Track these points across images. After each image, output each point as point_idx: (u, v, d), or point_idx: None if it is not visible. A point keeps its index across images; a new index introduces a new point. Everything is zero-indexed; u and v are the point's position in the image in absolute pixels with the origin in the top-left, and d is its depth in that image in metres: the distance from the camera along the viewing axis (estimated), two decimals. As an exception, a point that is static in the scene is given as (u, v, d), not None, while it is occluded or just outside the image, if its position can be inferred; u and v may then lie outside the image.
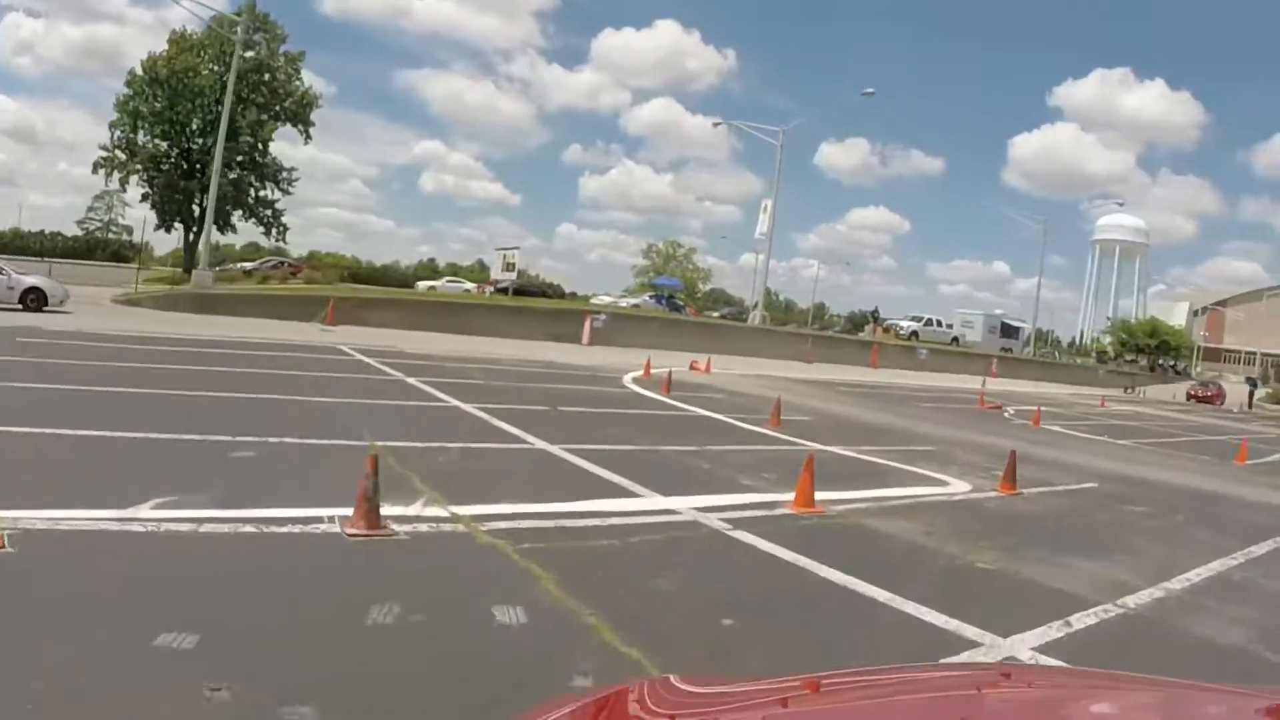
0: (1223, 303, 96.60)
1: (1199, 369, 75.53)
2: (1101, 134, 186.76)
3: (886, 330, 48.34)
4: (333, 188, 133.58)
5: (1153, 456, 15.72)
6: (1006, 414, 21.17)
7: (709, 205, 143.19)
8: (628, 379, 18.23)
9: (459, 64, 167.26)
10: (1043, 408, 21.95)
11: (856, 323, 57.87)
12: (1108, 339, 79.40)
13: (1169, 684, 1.67)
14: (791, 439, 11.57)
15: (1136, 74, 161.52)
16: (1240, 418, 34.72)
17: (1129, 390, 49.03)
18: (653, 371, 19.19)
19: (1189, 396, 46.94)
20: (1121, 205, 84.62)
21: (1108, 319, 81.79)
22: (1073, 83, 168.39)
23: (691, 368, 22.74)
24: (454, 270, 70.79)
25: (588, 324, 30.57)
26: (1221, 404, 46.72)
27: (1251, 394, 47.68)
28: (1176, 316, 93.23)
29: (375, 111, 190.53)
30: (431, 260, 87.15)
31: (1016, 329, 58.36)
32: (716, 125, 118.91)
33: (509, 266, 36.13)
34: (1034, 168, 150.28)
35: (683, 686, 1.47)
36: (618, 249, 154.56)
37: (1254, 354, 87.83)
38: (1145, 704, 1.46)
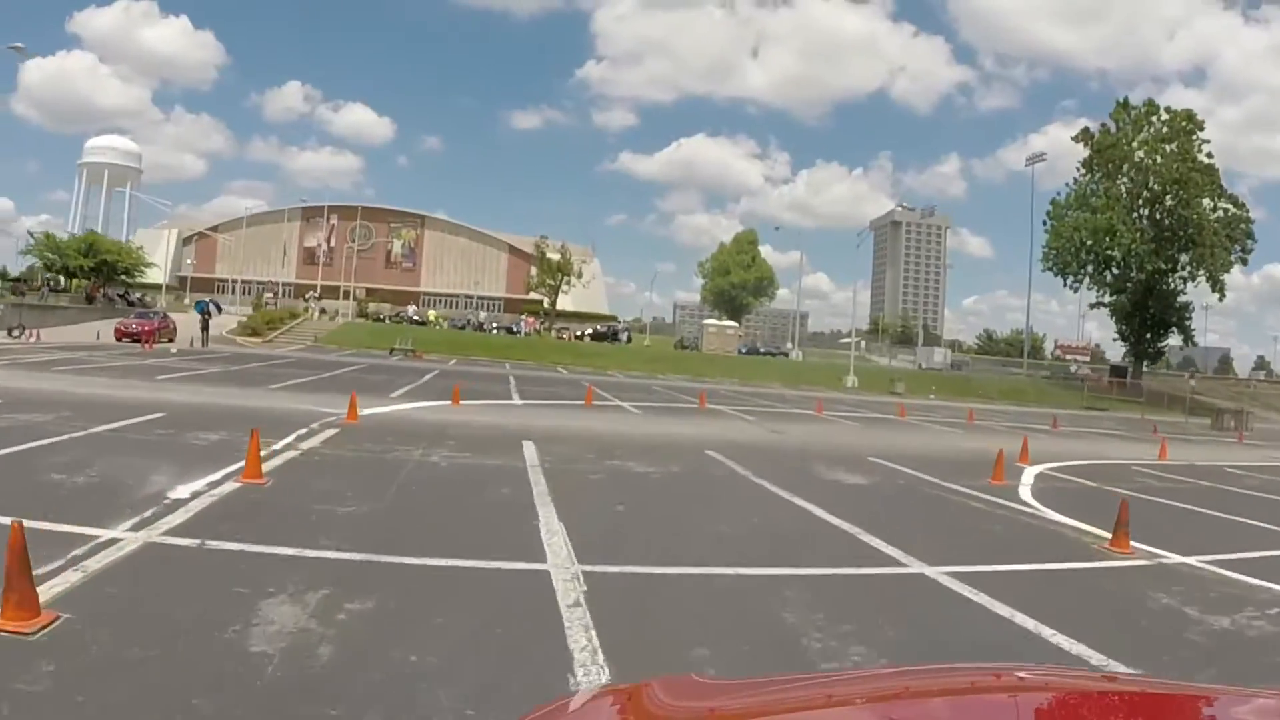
0: (214, 229, 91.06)
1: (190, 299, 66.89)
2: (118, 66, 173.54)
3: None
4: None
5: None
6: None
7: None
8: None
9: None
10: None
11: None
12: (31, 259, 63.14)
13: (1173, 685, 1.80)
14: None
15: (161, 8, 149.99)
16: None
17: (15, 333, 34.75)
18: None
19: (118, 335, 35.63)
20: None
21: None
22: (95, 10, 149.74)
23: None
24: None
25: None
26: (172, 340, 37.01)
27: (205, 323, 38.90)
28: (165, 246, 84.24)
29: None
30: None
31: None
32: None
33: None
34: (44, 96, 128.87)
35: (680, 687, 1.49)
36: None
37: (249, 282, 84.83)
38: (1146, 704, 1.46)
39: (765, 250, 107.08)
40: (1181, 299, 61.59)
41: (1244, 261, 59.64)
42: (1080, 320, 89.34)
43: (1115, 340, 64.70)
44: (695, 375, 46.96)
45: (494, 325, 74.85)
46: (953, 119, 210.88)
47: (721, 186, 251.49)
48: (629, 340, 73.33)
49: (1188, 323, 62.00)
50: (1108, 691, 1.59)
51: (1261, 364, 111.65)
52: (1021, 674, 1.73)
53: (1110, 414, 43.93)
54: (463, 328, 70.38)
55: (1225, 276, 58.59)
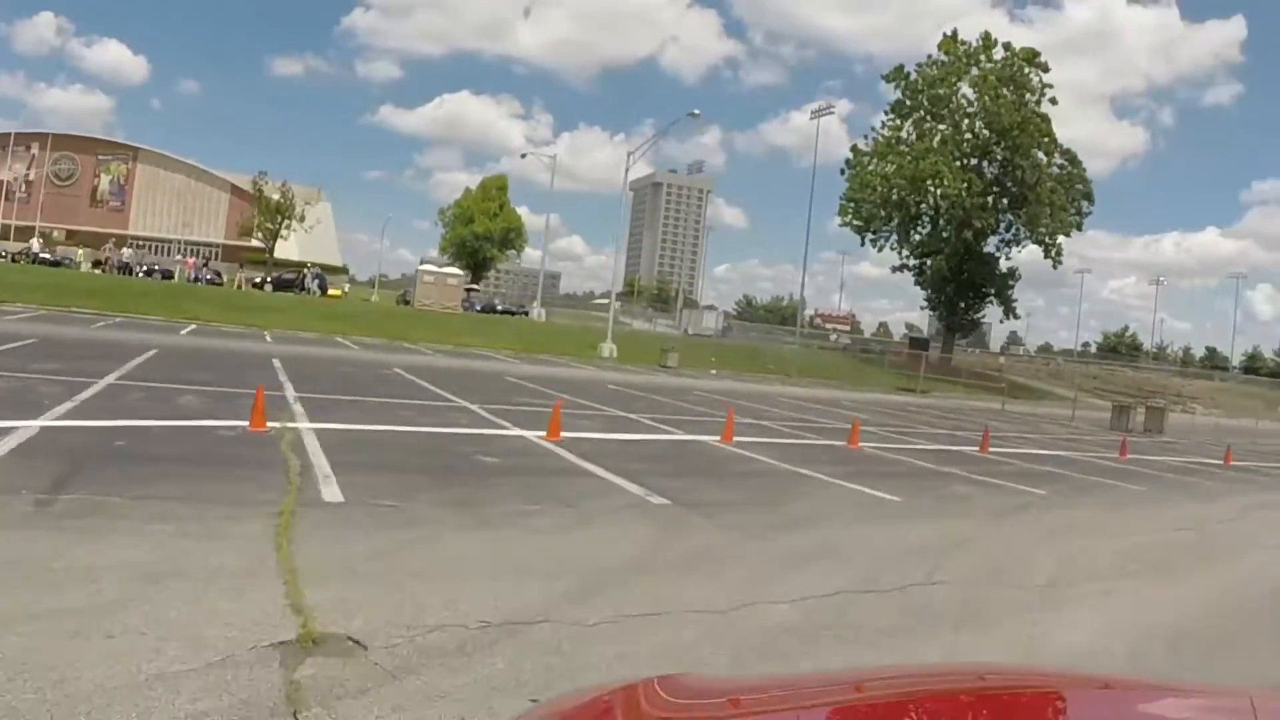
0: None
1: None
2: None
3: None
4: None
5: None
6: None
7: None
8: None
9: None
10: None
11: None
12: None
13: (1170, 686, 1.82)
14: None
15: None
16: None
17: None
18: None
19: None
20: None
21: None
22: None
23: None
24: None
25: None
26: None
27: None
28: None
29: None
30: None
31: None
32: None
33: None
34: None
35: (680, 686, 1.47)
36: None
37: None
38: (1146, 705, 1.48)
39: (524, 213, 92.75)
40: (1005, 264, 54.05)
41: (1078, 226, 52.32)
42: (840, 290, 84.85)
43: (924, 309, 56.44)
44: (394, 337, 32.17)
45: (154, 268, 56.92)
46: (719, 91, 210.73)
47: (483, 145, 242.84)
48: (323, 291, 56.41)
49: (1009, 292, 54.00)
50: (1106, 691, 1.61)
51: (1015, 339, 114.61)
52: (1022, 674, 1.94)
53: (943, 401, 34.04)
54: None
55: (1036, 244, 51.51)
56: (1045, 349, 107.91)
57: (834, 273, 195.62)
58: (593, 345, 39.42)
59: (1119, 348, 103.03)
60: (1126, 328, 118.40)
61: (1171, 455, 19.90)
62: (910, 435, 17.32)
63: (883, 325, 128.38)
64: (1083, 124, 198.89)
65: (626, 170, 44.71)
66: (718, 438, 12.49)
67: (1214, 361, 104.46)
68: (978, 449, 15.29)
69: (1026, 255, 53.35)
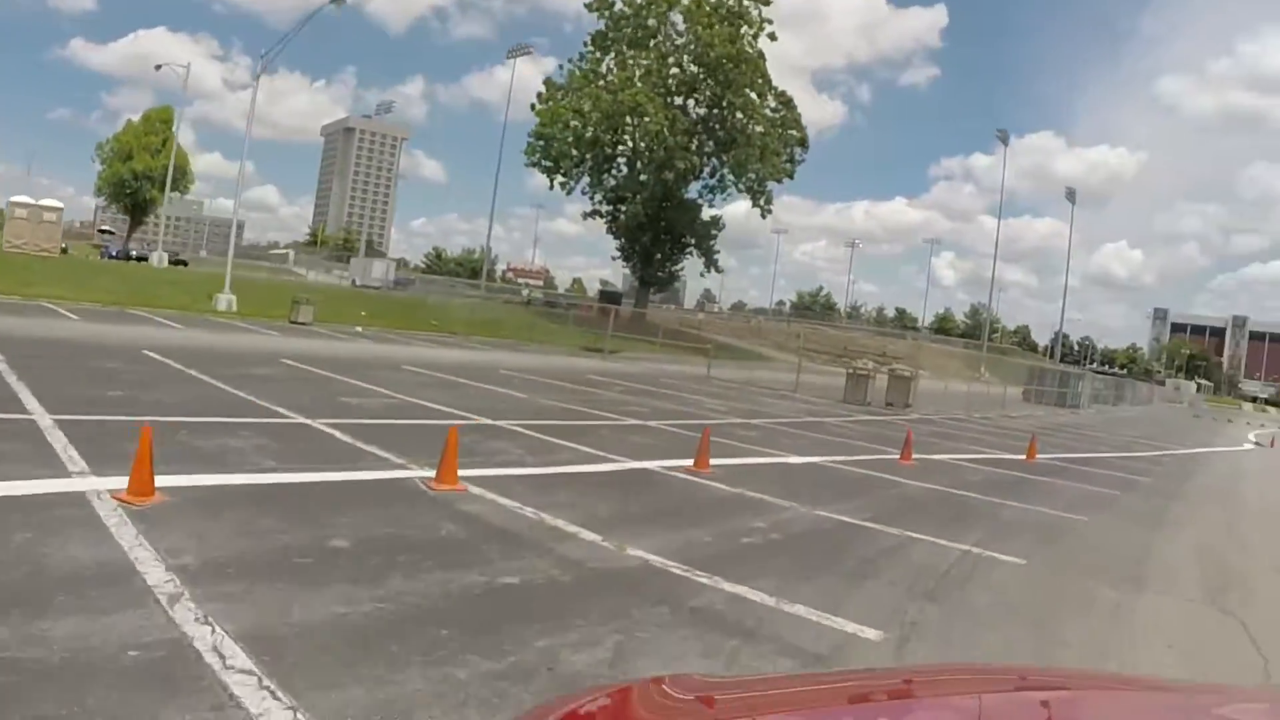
0: None
1: None
2: None
3: None
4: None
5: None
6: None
7: None
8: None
9: None
10: None
11: None
12: None
13: (1172, 685, 1.81)
14: None
15: None
16: None
17: None
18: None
19: None
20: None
21: None
22: None
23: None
24: None
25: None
26: None
27: None
28: None
29: None
30: None
31: None
32: None
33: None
34: None
35: (680, 686, 1.44)
36: None
37: None
38: (1147, 704, 1.46)
39: (215, 159, 76.93)
40: (709, 214, 49.32)
41: (790, 174, 47.65)
42: (534, 245, 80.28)
43: (616, 259, 50.26)
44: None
45: None
46: (426, 43, 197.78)
47: (177, 86, 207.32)
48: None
49: (712, 243, 49.34)
50: (1108, 691, 1.59)
51: (709, 297, 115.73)
52: (1021, 674, 1.82)
53: (632, 366, 28.02)
54: None
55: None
56: (739, 308, 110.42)
57: (534, 229, 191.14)
58: (210, 294, 29.93)
59: (813, 307, 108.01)
60: (821, 288, 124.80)
61: (979, 450, 15.41)
62: (573, 436, 10.76)
63: (577, 281, 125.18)
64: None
65: (255, 90, 34.46)
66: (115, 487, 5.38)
67: (904, 322, 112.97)
68: (691, 465, 8.82)
69: (723, 214, 50.27)
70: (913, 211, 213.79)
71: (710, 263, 49.50)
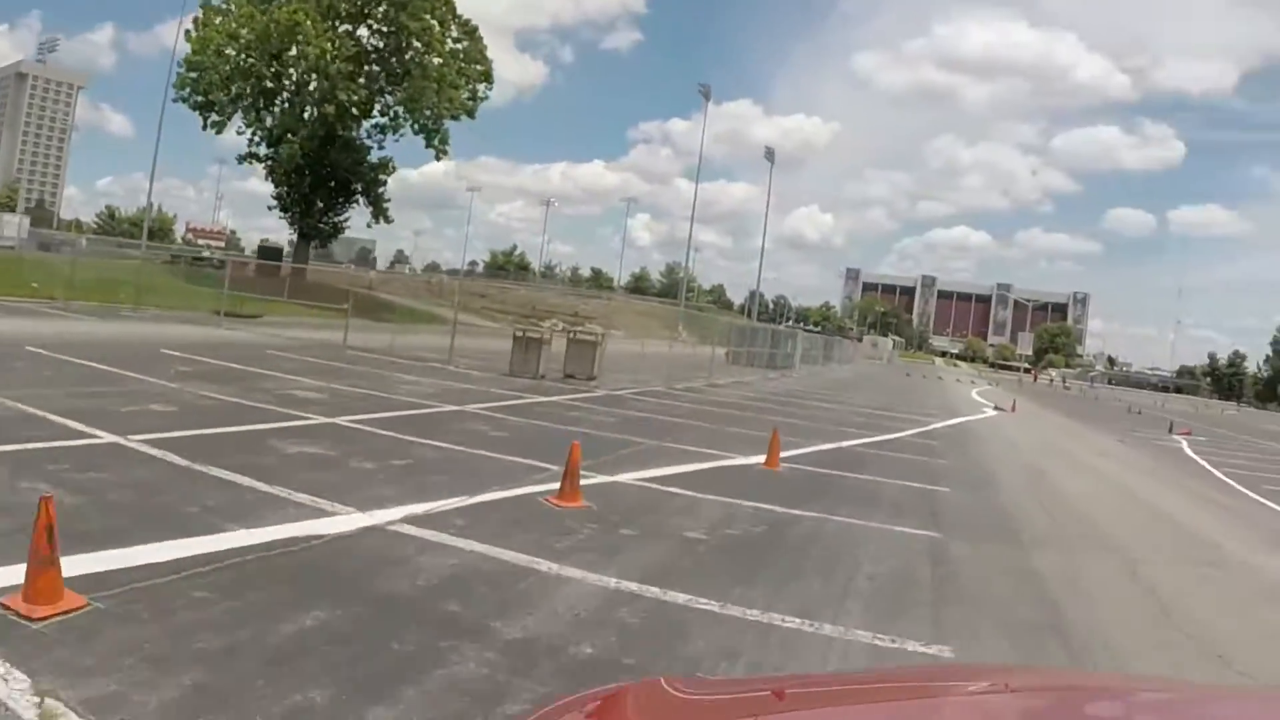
0: None
1: None
2: None
3: None
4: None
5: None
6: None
7: None
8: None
9: None
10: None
11: None
12: None
13: (1170, 684, 1.81)
14: None
15: None
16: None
17: None
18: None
19: None
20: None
21: None
22: None
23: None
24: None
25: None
26: None
27: None
28: None
29: None
30: None
31: None
32: None
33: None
34: None
35: (677, 687, 1.41)
36: None
37: None
38: (1146, 704, 1.44)
39: None
40: (379, 156, 43.63)
41: (471, 112, 42.30)
42: (217, 202, 72.86)
43: (276, 212, 43.49)
44: None
45: None
46: None
47: None
48: None
49: (381, 190, 43.70)
50: (1109, 691, 1.57)
51: (401, 258, 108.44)
52: (1021, 675, 1.80)
53: (269, 334, 22.83)
54: None
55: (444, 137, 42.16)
56: (433, 268, 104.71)
57: (218, 187, 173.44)
58: None
59: (507, 266, 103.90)
60: (515, 247, 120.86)
61: (691, 456, 11.14)
62: None
63: (266, 242, 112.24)
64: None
65: None
66: None
67: (600, 282, 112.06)
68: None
69: (419, 178, 45.21)
70: (611, 174, 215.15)
71: (379, 212, 43.74)
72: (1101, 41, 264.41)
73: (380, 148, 43.96)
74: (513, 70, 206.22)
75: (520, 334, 19.00)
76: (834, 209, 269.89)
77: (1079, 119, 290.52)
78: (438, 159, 42.84)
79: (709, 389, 22.21)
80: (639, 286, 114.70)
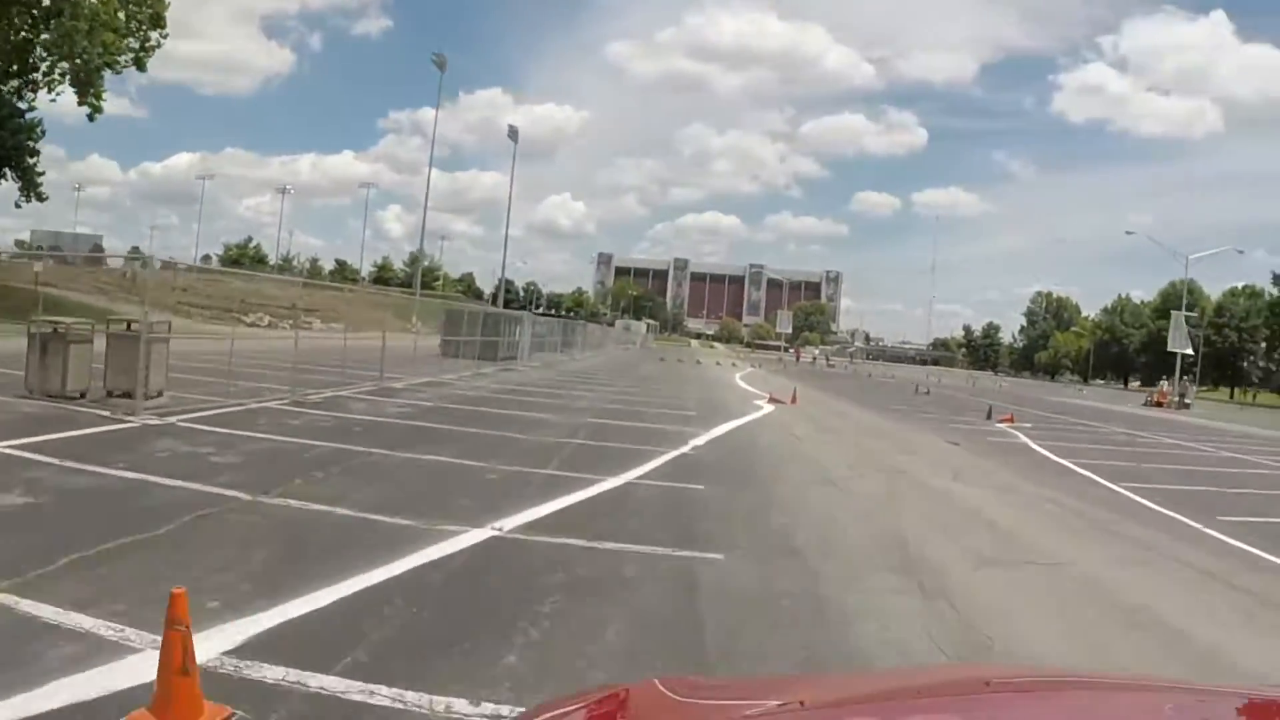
0: None
1: None
2: None
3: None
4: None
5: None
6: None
7: None
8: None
9: None
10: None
11: None
12: None
13: (1172, 685, 1.76)
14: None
15: None
16: None
17: None
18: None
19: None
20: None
21: None
22: None
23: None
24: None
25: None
26: None
27: None
28: None
29: None
30: None
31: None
32: None
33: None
34: None
35: (679, 687, 1.42)
36: None
37: None
38: (1147, 704, 1.42)
39: None
40: (31, 117, 35.27)
41: (141, 64, 34.09)
42: None
43: None
44: None
45: None
46: None
47: None
48: None
49: (32, 159, 35.13)
50: (1108, 692, 1.54)
51: (136, 253, 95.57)
52: (1022, 674, 1.77)
53: None
54: None
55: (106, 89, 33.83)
56: (169, 266, 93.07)
57: None
58: None
59: (242, 260, 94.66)
60: (250, 239, 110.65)
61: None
62: None
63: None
64: (231, 39, 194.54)
65: None
66: None
67: (345, 274, 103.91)
68: None
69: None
70: (361, 165, 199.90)
71: (30, 187, 35.00)
72: (848, 34, 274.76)
73: (32, 108, 35.12)
74: (259, 58, 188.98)
75: (36, 331, 11.47)
76: (586, 197, 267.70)
77: (827, 107, 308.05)
78: (91, 119, 33.91)
79: (357, 399, 14.81)
80: (382, 276, 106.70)
